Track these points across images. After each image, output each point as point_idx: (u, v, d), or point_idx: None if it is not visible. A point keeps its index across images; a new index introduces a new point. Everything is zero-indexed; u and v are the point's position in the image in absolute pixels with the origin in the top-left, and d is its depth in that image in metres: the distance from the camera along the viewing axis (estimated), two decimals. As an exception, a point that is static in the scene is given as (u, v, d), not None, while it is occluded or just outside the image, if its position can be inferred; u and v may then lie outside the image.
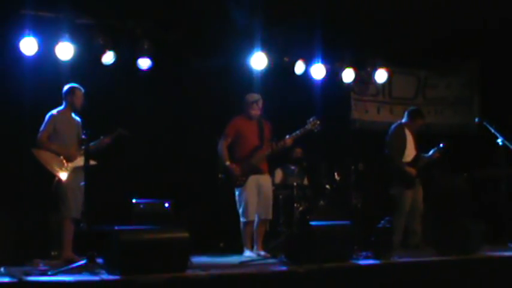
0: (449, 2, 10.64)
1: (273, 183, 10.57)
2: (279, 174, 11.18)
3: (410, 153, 10.08)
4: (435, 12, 10.94)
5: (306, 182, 11.22)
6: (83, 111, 8.44)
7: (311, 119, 9.37)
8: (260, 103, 9.32)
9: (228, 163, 9.18)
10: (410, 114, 10.26)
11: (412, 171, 9.94)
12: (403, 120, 10.26)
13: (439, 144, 10.15)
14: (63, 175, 8.28)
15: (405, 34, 11.51)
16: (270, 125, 9.46)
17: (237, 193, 9.23)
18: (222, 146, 9.26)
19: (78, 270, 6.75)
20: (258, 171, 9.23)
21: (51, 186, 8.29)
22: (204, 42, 10.70)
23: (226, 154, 9.24)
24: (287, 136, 9.28)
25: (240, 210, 9.17)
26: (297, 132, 9.32)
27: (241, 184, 9.14)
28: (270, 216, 9.33)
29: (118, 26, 9.99)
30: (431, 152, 10.16)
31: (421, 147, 10.21)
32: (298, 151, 11.18)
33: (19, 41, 9.11)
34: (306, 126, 9.35)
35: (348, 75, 11.80)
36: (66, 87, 8.59)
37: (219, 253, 9.73)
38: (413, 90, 13.40)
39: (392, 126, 10.29)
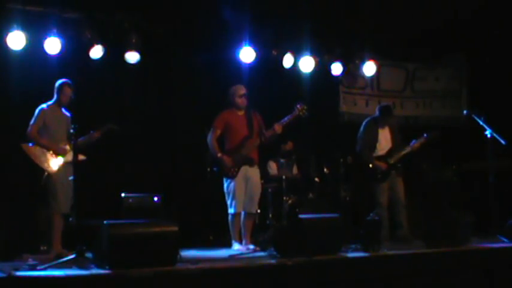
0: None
1: (268, 175, 10.61)
2: (273, 166, 11.17)
3: (383, 147, 10.18)
4: (423, 5, 10.97)
5: (295, 174, 11.23)
6: (72, 105, 8.40)
7: (298, 105, 9.39)
8: (246, 95, 9.34)
9: (219, 154, 9.18)
10: (379, 111, 10.35)
11: (381, 164, 10.01)
12: (375, 115, 10.33)
13: (422, 135, 10.21)
14: (52, 170, 8.28)
15: (393, 27, 11.53)
16: (259, 115, 9.46)
17: (225, 185, 9.24)
18: (212, 139, 9.26)
19: (68, 264, 6.75)
20: (249, 161, 9.25)
21: (41, 181, 8.28)
22: (192, 36, 10.69)
23: (216, 146, 9.25)
24: (276, 124, 9.30)
25: (228, 202, 9.19)
26: (285, 118, 9.34)
27: (233, 175, 9.16)
28: (254, 210, 9.37)
29: (106, 20, 9.96)
30: (412, 143, 10.22)
31: (409, 139, 10.27)
32: (289, 144, 11.19)
33: (6, 35, 9.08)
34: (294, 112, 9.37)
35: (337, 68, 11.82)
36: (57, 82, 8.59)
37: (208, 246, 9.74)
38: (402, 82, 13.42)
39: (364, 122, 10.38)
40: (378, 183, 10.03)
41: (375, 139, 10.18)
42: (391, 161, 10.08)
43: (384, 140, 10.20)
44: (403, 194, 10.11)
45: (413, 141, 10.23)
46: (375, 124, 10.27)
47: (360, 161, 10.25)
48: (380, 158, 10.11)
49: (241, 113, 9.37)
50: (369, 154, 10.13)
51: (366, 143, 10.21)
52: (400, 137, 10.34)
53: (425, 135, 10.22)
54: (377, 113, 10.36)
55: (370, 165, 10.04)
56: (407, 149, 10.18)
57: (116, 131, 8.92)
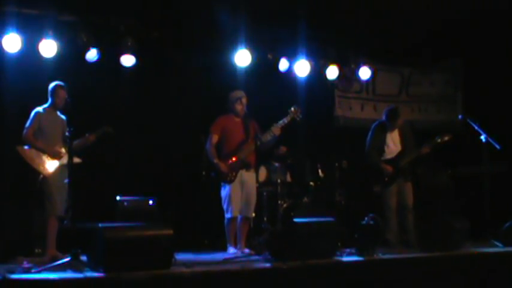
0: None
1: (257, 181, 10.58)
2: (262, 172, 11.14)
3: (392, 150, 10.11)
4: (419, 9, 10.99)
5: (289, 179, 11.20)
6: (67, 108, 8.39)
7: (292, 108, 9.43)
8: (244, 100, 9.36)
9: (216, 161, 9.21)
10: (386, 114, 10.25)
11: (388, 168, 9.95)
12: (383, 118, 10.30)
13: (433, 138, 10.14)
14: (48, 172, 8.28)
15: (389, 31, 11.55)
16: (257, 124, 9.48)
17: (222, 189, 9.26)
18: (210, 145, 9.32)
19: (62, 267, 6.75)
20: (246, 165, 9.27)
21: (36, 184, 8.27)
22: (188, 40, 10.68)
23: (214, 152, 9.29)
24: (273, 127, 9.31)
25: (225, 206, 9.20)
26: (281, 122, 9.36)
27: (231, 180, 9.18)
28: (250, 215, 9.38)
29: (101, 23, 9.95)
30: (422, 147, 10.18)
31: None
32: (283, 149, 11.16)
33: (2, 38, 9.07)
34: (289, 115, 9.39)
35: (332, 72, 11.79)
36: (51, 85, 8.59)
37: (203, 250, 9.73)
38: (397, 87, 13.42)
39: (373, 125, 10.35)
40: (386, 186, 10.01)
41: (382, 142, 10.11)
42: (399, 165, 10.03)
43: (393, 143, 10.14)
44: (411, 199, 10.04)
45: (424, 145, 10.17)
46: (383, 127, 10.23)
47: (367, 164, 10.22)
48: (388, 161, 10.06)
49: (238, 118, 9.39)
50: (376, 157, 10.12)
51: (373, 146, 10.17)
52: (413, 141, 10.27)
53: (437, 138, 10.16)
54: (383, 116, 10.32)
55: (381, 168, 9.98)
56: (417, 153, 10.11)
57: (111, 134, 8.93)
